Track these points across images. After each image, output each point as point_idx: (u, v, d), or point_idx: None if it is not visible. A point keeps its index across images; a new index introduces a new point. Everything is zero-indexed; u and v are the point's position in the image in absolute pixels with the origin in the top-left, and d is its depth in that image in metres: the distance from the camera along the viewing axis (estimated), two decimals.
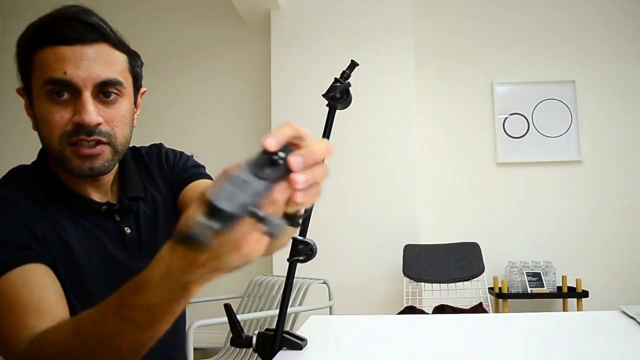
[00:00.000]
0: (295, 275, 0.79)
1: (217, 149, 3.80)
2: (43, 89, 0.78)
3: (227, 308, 0.82)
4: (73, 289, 0.79)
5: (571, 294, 3.31)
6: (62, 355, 0.64)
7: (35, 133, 0.83)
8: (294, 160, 0.47)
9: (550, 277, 3.32)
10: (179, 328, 0.96)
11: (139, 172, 0.95)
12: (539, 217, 3.59)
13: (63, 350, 0.64)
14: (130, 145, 0.97)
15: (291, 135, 0.49)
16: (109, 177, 0.88)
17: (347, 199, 3.39)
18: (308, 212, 0.54)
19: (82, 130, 0.78)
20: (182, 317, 0.99)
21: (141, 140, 1.01)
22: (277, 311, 0.79)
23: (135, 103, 0.88)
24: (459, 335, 0.91)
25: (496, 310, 3.39)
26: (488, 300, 3.14)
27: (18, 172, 0.86)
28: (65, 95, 0.77)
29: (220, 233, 0.44)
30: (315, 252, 0.69)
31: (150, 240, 0.90)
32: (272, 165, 0.47)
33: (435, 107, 3.73)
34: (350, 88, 0.77)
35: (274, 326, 0.78)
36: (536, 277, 3.29)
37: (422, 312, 2.99)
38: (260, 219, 0.46)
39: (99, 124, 0.79)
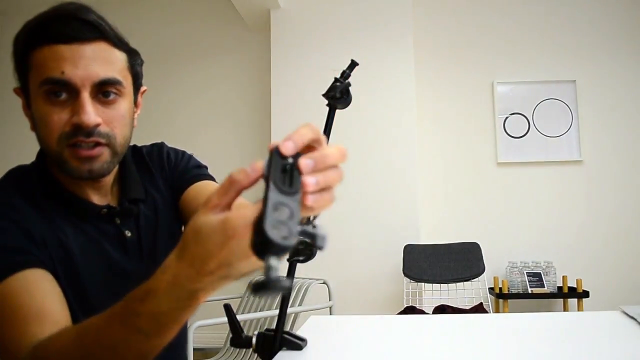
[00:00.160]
0: (295, 275, 0.79)
1: (217, 148, 3.80)
2: (40, 89, 0.76)
3: (227, 308, 0.82)
4: (73, 293, 0.78)
5: (572, 294, 3.31)
6: None
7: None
8: (304, 163, 0.46)
9: (550, 277, 3.32)
10: (181, 331, 0.96)
11: (140, 173, 0.93)
12: (540, 217, 3.59)
13: (66, 359, 0.63)
14: (131, 144, 0.96)
15: (310, 139, 0.48)
16: (109, 179, 0.87)
17: (347, 199, 3.39)
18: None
19: (80, 132, 0.76)
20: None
21: (140, 140, 0.99)
22: (277, 311, 0.79)
23: (135, 102, 0.86)
24: (459, 336, 0.91)
25: (496, 311, 3.39)
26: (488, 301, 3.14)
27: (17, 174, 0.85)
28: (63, 96, 0.76)
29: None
30: (315, 253, 0.69)
31: (150, 243, 0.89)
32: (284, 172, 0.46)
33: (436, 107, 3.73)
34: (350, 88, 0.77)
35: (273, 326, 0.78)
36: (537, 277, 3.28)
37: (422, 312, 2.99)
38: (311, 237, 0.45)
39: (98, 125, 0.77)
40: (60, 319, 0.70)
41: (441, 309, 2.92)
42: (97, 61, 0.76)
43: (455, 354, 0.79)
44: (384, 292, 3.37)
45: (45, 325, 0.67)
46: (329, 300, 2.48)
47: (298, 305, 2.33)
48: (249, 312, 2.55)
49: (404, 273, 3.20)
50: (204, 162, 1.01)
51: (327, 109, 0.78)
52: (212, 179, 0.96)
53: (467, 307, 3.04)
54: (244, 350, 2.40)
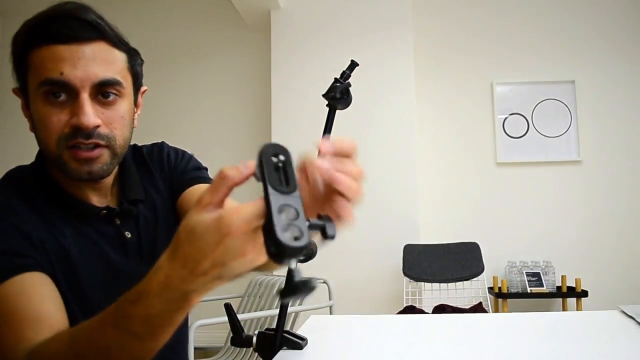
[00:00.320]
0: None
1: (218, 148, 3.80)
2: (39, 90, 0.75)
3: (228, 308, 0.82)
4: (73, 295, 0.77)
5: (570, 294, 3.31)
6: None
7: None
8: (324, 144, 0.49)
9: (549, 276, 3.32)
10: (181, 333, 0.95)
11: (140, 173, 0.92)
12: (539, 217, 3.60)
13: None
14: (132, 143, 0.95)
15: (347, 149, 0.52)
16: (109, 180, 0.86)
17: None
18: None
19: (80, 133, 0.75)
20: (184, 324, 0.97)
21: (141, 140, 0.99)
22: (278, 311, 0.79)
23: (135, 103, 0.85)
24: (459, 335, 0.91)
25: (496, 310, 3.39)
26: (488, 300, 3.14)
27: (16, 175, 0.84)
28: (62, 97, 0.74)
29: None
30: (316, 253, 0.69)
31: (149, 244, 0.88)
32: (277, 171, 0.46)
33: (435, 107, 3.73)
34: (350, 88, 0.77)
35: (274, 326, 0.78)
36: (536, 277, 3.29)
37: (422, 311, 2.99)
38: (321, 229, 0.46)
39: (98, 127, 0.76)
40: (57, 323, 0.69)
41: (441, 309, 2.92)
42: (96, 61, 0.75)
43: (455, 353, 0.79)
44: (383, 292, 3.37)
45: (42, 329, 0.67)
46: (329, 299, 2.48)
47: (298, 305, 2.33)
48: (249, 311, 2.55)
49: (403, 273, 3.20)
50: (204, 162, 1.00)
51: (327, 109, 0.78)
52: (211, 181, 0.94)
53: (467, 307, 3.04)
54: (245, 349, 2.40)
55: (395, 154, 3.46)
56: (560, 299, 3.42)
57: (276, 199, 0.44)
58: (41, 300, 0.71)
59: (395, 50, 3.54)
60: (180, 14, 4.11)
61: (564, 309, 3.40)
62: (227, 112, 3.97)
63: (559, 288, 3.35)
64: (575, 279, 3.27)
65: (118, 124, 0.79)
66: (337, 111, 0.78)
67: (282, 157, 0.47)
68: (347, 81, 0.77)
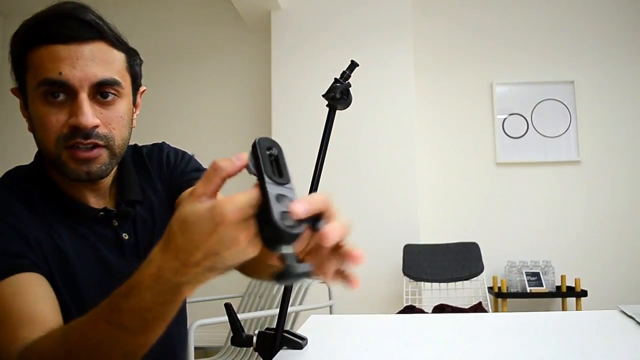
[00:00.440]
0: None
1: (217, 149, 3.80)
2: (38, 90, 0.75)
3: (228, 307, 0.82)
4: (70, 296, 0.77)
5: (570, 294, 3.32)
6: None
7: None
8: (328, 228, 0.46)
9: (549, 276, 3.32)
10: (179, 334, 0.94)
11: (138, 174, 0.92)
12: (538, 216, 3.60)
13: (53, 359, 0.62)
14: (132, 143, 0.94)
15: (321, 208, 0.48)
16: (107, 181, 0.85)
17: (347, 199, 3.39)
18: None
19: (78, 133, 0.75)
20: (182, 324, 0.97)
21: (141, 140, 0.99)
22: (278, 310, 0.79)
23: (134, 103, 0.85)
24: (459, 335, 0.91)
25: (495, 310, 3.40)
26: (487, 300, 3.14)
27: (14, 176, 0.84)
28: (61, 97, 0.74)
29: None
30: None
31: (147, 245, 0.87)
32: (271, 164, 0.47)
33: (435, 107, 3.74)
34: (350, 88, 0.77)
35: (274, 325, 0.79)
36: (535, 277, 3.29)
37: (421, 311, 2.99)
38: (312, 224, 0.47)
39: (96, 127, 0.76)
40: (51, 323, 0.69)
41: (440, 308, 2.92)
42: (95, 61, 0.75)
43: (455, 352, 0.79)
44: (383, 292, 3.37)
45: (36, 329, 0.67)
46: (329, 299, 2.48)
47: (298, 305, 2.33)
48: (249, 311, 2.55)
49: (403, 272, 3.20)
50: (204, 163, 0.99)
51: (327, 109, 0.78)
52: None
53: (466, 307, 3.04)
54: (245, 349, 2.40)
55: (395, 154, 3.47)
56: (560, 299, 3.42)
57: (272, 189, 0.45)
58: (36, 300, 0.70)
59: (395, 50, 3.54)
60: (180, 15, 4.11)
61: (564, 308, 3.40)
62: (227, 112, 3.97)
63: (558, 288, 3.35)
64: (575, 279, 3.27)
65: (117, 124, 0.79)
66: (337, 111, 0.78)
67: (274, 151, 0.48)
68: (347, 81, 0.77)
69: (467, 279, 3.18)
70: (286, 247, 0.44)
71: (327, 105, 0.78)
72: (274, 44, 3.64)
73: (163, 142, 0.99)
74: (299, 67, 3.58)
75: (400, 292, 3.27)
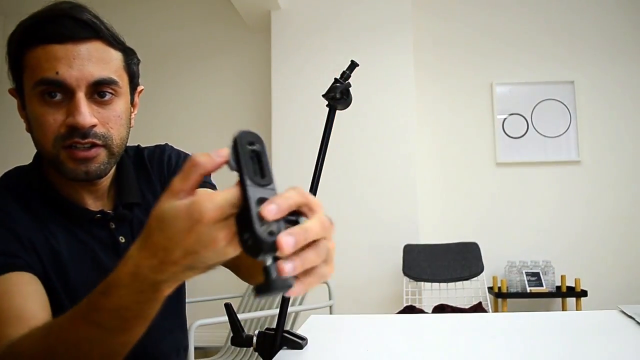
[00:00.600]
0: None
1: (217, 149, 3.80)
2: (35, 90, 0.75)
3: (228, 307, 0.82)
4: (67, 297, 0.77)
5: (570, 294, 3.32)
6: None
7: None
8: (284, 241, 0.42)
9: (549, 276, 3.32)
10: (177, 339, 0.92)
11: (138, 176, 0.91)
12: (538, 216, 3.60)
13: (34, 357, 0.61)
14: (135, 144, 0.93)
15: (297, 203, 0.45)
16: (106, 182, 0.85)
17: (347, 199, 3.39)
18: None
19: (76, 133, 0.75)
20: (182, 330, 0.95)
21: (140, 141, 0.98)
22: (278, 310, 0.79)
23: (132, 102, 0.85)
24: (459, 335, 0.91)
25: (495, 310, 3.40)
26: (487, 300, 3.14)
27: (12, 177, 0.84)
28: (58, 96, 0.74)
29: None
30: None
31: None
32: (252, 160, 0.45)
33: (435, 107, 3.74)
34: (350, 88, 0.77)
35: (274, 325, 0.79)
36: (535, 277, 3.29)
37: (421, 311, 2.99)
38: (293, 223, 0.44)
39: (94, 126, 0.76)
40: (39, 322, 0.68)
41: (440, 308, 2.92)
42: (92, 61, 0.75)
43: (455, 353, 0.79)
44: (383, 292, 3.37)
45: (23, 328, 0.66)
46: (329, 299, 2.48)
47: (298, 305, 2.33)
48: (249, 311, 2.55)
49: (403, 272, 3.20)
50: None
51: (327, 109, 0.78)
52: (211, 186, 0.91)
53: (466, 307, 3.04)
54: (245, 349, 2.40)
55: (395, 154, 3.47)
56: (560, 299, 3.42)
57: (253, 192, 0.43)
58: (25, 299, 0.70)
59: (395, 50, 3.54)
60: (181, 15, 4.11)
61: (564, 308, 3.40)
62: (227, 112, 3.97)
63: (558, 288, 3.35)
64: (575, 279, 3.27)
65: (114, 123, 0.79)
66: (337, 111, 0.78)
67: (257, 147, 0.46)
68: (347, 81, 0.77)
69: (467, 279, 3.18)
70: (267, 256, 0.42)
71: (327, 105, 0.78)
72: (274, 44, 3.64)
73: (165, 144, 0.98)
74: (299, 67, 3.58)
75: (400, 292, 3.27)
